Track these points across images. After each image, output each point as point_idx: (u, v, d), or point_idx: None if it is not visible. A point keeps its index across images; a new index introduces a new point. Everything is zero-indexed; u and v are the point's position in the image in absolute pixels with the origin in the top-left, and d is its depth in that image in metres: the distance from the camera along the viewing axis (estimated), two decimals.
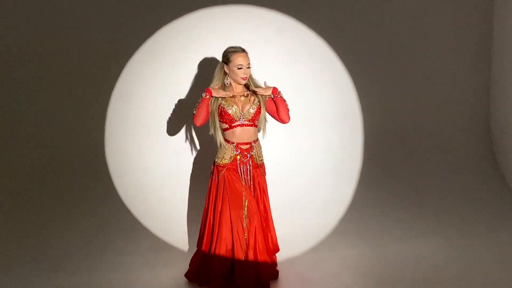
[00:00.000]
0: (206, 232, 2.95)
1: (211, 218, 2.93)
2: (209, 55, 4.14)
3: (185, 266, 3.20)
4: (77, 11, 4.10)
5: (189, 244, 3.64)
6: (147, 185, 4.19)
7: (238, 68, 2.79)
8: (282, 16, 4.38)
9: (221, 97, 2.83)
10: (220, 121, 2.88)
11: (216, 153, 2.96)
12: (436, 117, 4.86)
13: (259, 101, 2.90)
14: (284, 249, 3.23)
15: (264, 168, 3.05)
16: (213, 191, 2.93)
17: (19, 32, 4.08)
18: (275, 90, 2.85)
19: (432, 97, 4.84)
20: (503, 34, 4.68)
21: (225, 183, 2.86)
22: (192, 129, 4.10)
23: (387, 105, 4.72)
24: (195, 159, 4.16)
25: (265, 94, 2.84)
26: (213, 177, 2.95)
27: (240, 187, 2.86)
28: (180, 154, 4.18)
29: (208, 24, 4.22)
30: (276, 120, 2.99)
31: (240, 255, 2.81)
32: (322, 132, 4.56)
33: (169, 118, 4.10)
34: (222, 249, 2.84)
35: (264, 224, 2.99)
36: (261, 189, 3.00)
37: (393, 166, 4.68)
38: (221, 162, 2.90)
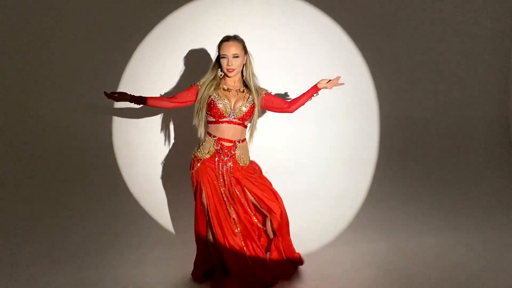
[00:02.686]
0: (199, 227, 2.78)
1: (199, 213, 2.75)
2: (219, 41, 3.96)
3: None
4: None
5: None
6: (155, 176, 4.04)
7: (222, 58, 2.55)
8: (294, 0, 4.20)
9: (211, 88, 2.60)
10: (207, 113, 2.61)
11: (197, 145, 2.70)
12: (453, 107, 4.76)
13: (253, 100, 2.63)
14: (301, 244, 3.09)
15: (252, 167, 2.79)
16: (194, 184, 2.70)
17: (23, 14, 3.88)
18: (318, 89, 2.77)
19: (450, 86, 4.73)
20: None
21: (203, 180, 2.61)
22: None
23: (404, 94, 4.59)
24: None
25: (328, 87, 2.75)
26: (192, 171, 2.69)
27: (218, 188, 2.63)
28: (188, 144, 4.02)
29: (219, 9, 4.05)
30: (276, 111, 2.82)
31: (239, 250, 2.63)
32: (336, 121, 4.43)
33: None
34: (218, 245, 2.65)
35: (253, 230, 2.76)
36: (245, 196, 2.71)
37: (410, 157, 4.56)
38: (199, 155, 2.64)
